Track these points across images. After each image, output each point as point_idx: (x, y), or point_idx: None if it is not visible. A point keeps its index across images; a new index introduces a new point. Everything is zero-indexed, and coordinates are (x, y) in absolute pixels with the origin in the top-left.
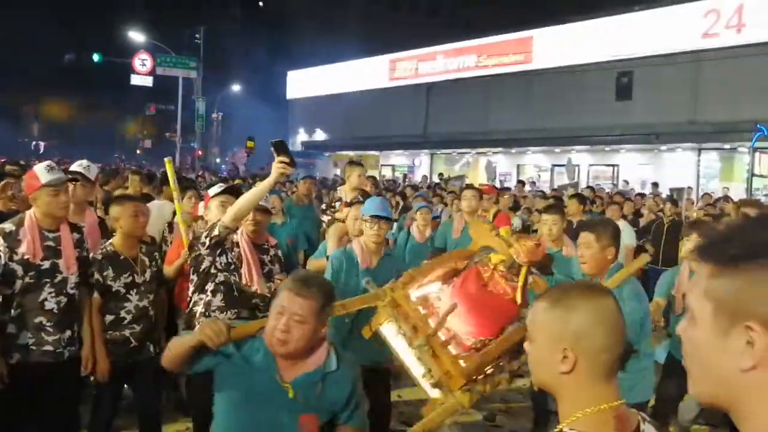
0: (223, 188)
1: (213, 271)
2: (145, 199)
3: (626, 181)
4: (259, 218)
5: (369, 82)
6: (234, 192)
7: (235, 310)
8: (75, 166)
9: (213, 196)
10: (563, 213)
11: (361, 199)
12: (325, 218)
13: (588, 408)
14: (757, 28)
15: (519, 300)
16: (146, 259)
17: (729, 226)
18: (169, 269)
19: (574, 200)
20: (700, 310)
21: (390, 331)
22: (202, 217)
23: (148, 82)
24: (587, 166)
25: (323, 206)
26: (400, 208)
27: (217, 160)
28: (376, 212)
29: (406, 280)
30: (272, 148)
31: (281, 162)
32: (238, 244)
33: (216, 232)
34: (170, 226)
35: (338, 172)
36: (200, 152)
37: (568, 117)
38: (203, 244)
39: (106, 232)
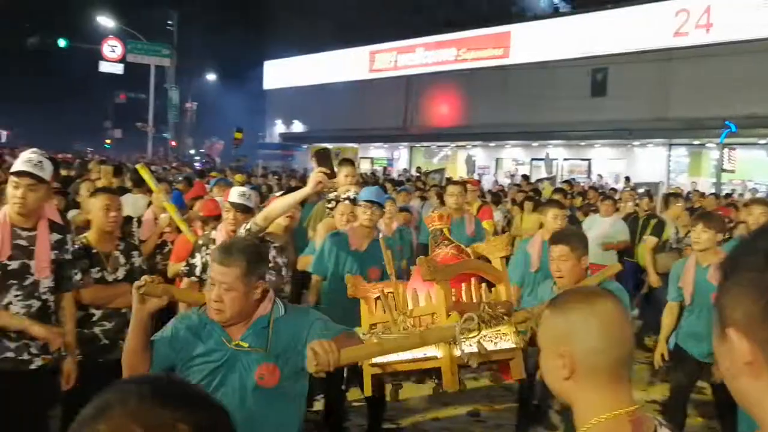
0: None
1: None
2: (119, 192)
3: (600, 176)
4: (239, 217)
5: (348, 74)
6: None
7: None
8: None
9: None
10: (564, 206)
11: (352, 196)
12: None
13: (603, 414)
14: (724, 27)
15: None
16: (121, 257)
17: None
18: (174, 267)
19: (558, 195)
20: (714, 318)
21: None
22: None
23: (118, 69)
24: (562, 160)
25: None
26: None
27: (191, 151)
28: (370, 197)
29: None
30: (313, 158)
31: (321, 172)
32: (215, 240)
33: (248, 226)
34: (138, 221)
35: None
36: (173, 143)
37: (545, 112)
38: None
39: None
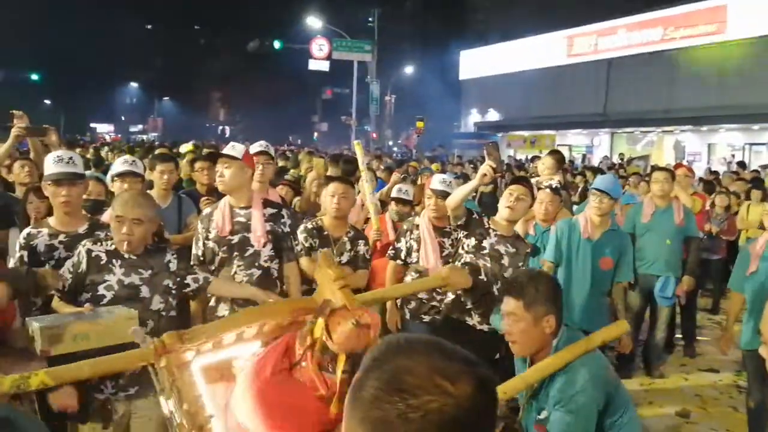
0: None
1: (460, 251)
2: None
3: None
4: (440, 203)
5: (545, 60)
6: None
7: (479, 293)
8: (255, 147)
9: None
10: None
11: (554, 185)
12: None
13: None
14: None
15: (333, 409)
16: (348, 243)
17: None
18: None
19: None
20: None
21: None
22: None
23: (324, 66)
24: None
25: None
26: (579, 190)
27: (389, 143)
28: (601, 186)
29: (188, 336)
30: (485, 150)
31: (488, 165)
32: (418, 226)
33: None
34: None
35: (512, 153)
36: (375, 135)
37: None
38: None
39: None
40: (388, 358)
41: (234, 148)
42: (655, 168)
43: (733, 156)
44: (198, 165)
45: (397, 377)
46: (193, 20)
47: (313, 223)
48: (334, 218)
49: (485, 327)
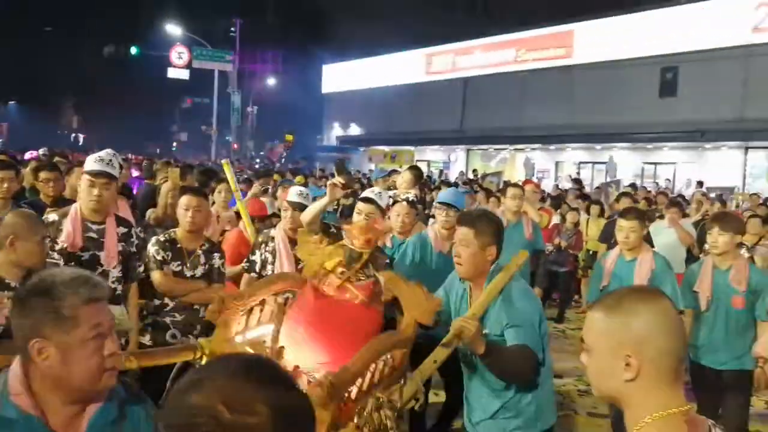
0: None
1: None
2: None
3: (668, 180)
4: (296, 216)
5: (405, 77)
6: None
7: None
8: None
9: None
10: (644, 218)
11: (411, 198)
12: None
13: (656, 413)
14: None
15: (371, 299)
16: (203, 256)
17: None
18: (231, 269)
19: (626, 199)
20: None
21: None
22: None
23: (184, 75)
24: (628, 164)
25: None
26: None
27: (252, 154)
28: (446, 199)
29: (222, 324)
30: (334, 168)
31: (337, 181)
32: (273, 238)
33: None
34: None
35: (373, 167)
36: (236, 145)
37: (610, 113)
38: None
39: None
40: (202, 371)
41: (113, 166)
42: (507, 184)
43: (578, 173)
44: (43, 175)
45: (187, 392)
46: (45, 21)
47: (166, 236)
48: (188, 232)
49: None
